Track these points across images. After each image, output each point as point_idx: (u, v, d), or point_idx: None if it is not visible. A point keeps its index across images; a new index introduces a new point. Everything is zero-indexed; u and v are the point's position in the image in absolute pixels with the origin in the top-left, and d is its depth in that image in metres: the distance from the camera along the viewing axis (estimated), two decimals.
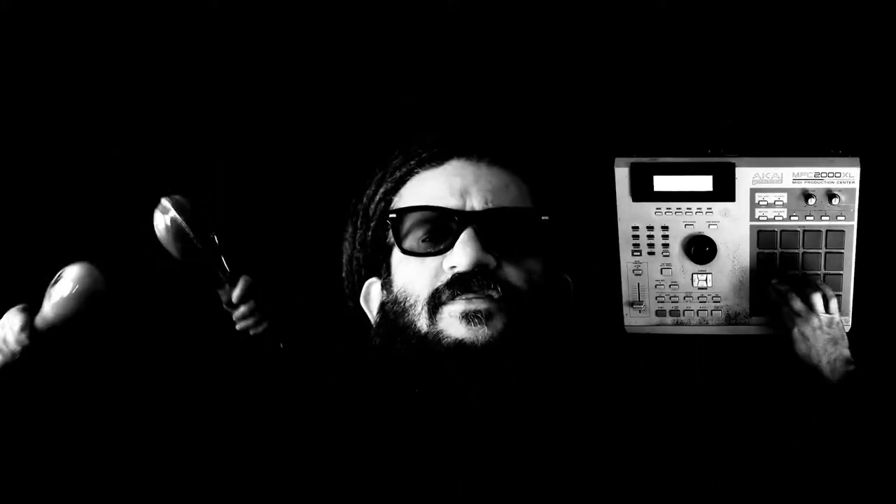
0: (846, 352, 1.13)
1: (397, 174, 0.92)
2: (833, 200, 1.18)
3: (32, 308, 0.96)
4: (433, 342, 0.83)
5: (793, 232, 1.21)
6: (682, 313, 1.27)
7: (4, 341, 0.97)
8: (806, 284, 1.19)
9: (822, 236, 1.21)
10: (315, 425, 0.86)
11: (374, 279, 0.95)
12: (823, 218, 1.20)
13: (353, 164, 0.99)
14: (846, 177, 1.18)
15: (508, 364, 0.83)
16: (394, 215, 0.88)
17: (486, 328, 0.82)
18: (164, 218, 1.04)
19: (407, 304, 0.86)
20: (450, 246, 0.84)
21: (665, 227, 1.22)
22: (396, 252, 0.89)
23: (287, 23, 1.27)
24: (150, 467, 0.85)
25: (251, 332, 1.17)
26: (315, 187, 1.28)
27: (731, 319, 1.27)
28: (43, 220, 1.30)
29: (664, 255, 1.24)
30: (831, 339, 1.13)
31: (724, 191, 1.19)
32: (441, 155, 0.90)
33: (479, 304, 0.82)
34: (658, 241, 1.23)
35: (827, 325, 1.14)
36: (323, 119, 1.31)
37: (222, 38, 1.27)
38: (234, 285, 1.13)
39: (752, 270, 1.24)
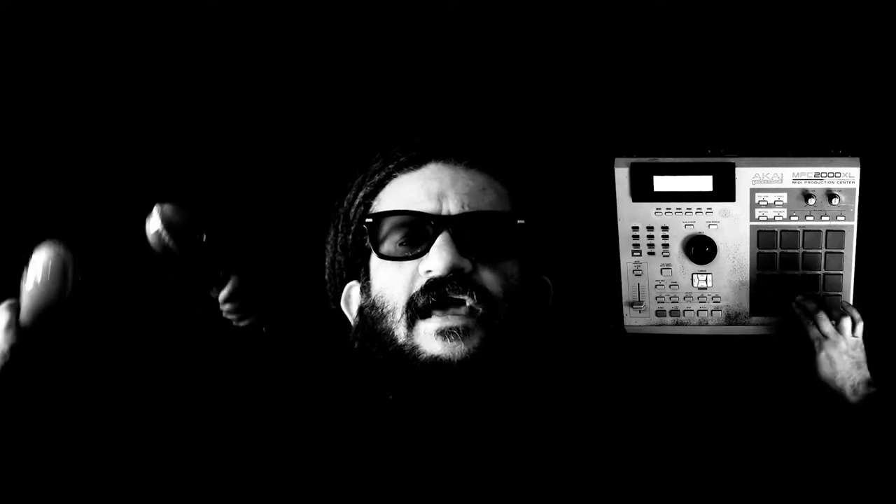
0: (867, 374, 1.14)
1: (376, 178, 0.92)
2: (833, 200, 1.18)
3: (18, 305, 0.95)
4: (409, 356, 0.83)
5: (793, 232, 1.21)
6: (682, 313, 1.27)
7: None
8: (834, 306, 1.19)
9: (822, 236, 1.21)
10: (289, 425, 0.86)
11: (354, 282, 0.95)
12: (823, 218, 1.20)
13: (341, 166, 0.99)
14: (846, 177, 1.18)
15: (485, 379, 0.83)
16: (370, 220, 0.88)
17: (462, 344, 0.82)
18: (151, 228, 1.04)
19: (385, 311, 0.86)
20: (426, 250, 0.84)
21: (665, 228, 1.22)
22: (374, 256, 0.89)
23: (271, 27, 1.26)
24: (136, 462, 0.85)
25: (235, 323, 1.18)
26: (303, 189, 1.28)
27: (731, 319, 1.27)
28: (37, 219, 1.30)
29: (664, 256, 1.24)
30: (855, 363, 1.14)
31: (724, 191, 1.19)
32: (419, 158, 0.90)
33: (454, 321, 0.82)
34: (658, 241, 1.23)
35: (852, 348, 1.15)
36: (309, 121, 1.30)
37: (208, 40, 1.27)
38: (221, 287, 1.14)
39: (752, 270, 1.24)
